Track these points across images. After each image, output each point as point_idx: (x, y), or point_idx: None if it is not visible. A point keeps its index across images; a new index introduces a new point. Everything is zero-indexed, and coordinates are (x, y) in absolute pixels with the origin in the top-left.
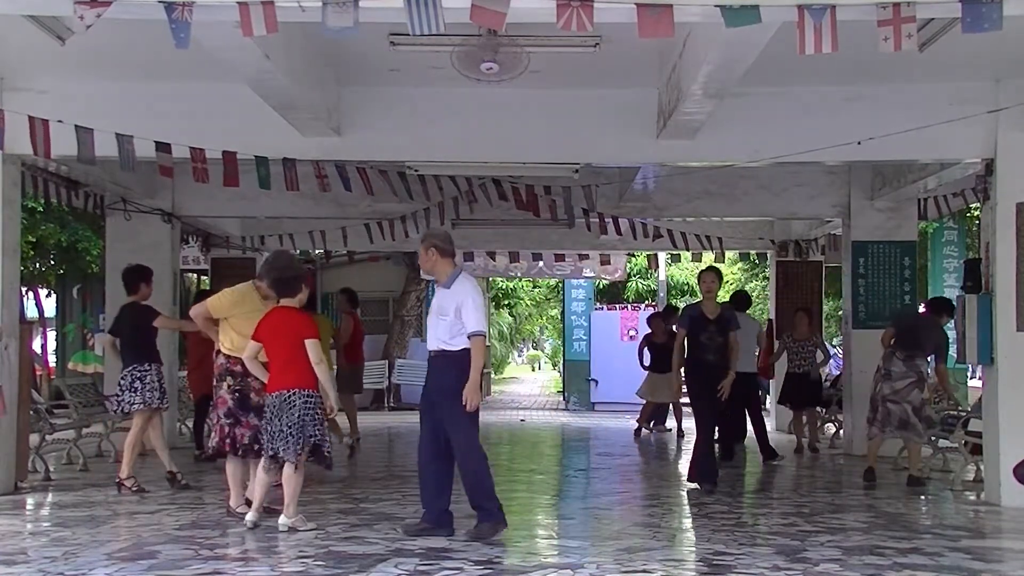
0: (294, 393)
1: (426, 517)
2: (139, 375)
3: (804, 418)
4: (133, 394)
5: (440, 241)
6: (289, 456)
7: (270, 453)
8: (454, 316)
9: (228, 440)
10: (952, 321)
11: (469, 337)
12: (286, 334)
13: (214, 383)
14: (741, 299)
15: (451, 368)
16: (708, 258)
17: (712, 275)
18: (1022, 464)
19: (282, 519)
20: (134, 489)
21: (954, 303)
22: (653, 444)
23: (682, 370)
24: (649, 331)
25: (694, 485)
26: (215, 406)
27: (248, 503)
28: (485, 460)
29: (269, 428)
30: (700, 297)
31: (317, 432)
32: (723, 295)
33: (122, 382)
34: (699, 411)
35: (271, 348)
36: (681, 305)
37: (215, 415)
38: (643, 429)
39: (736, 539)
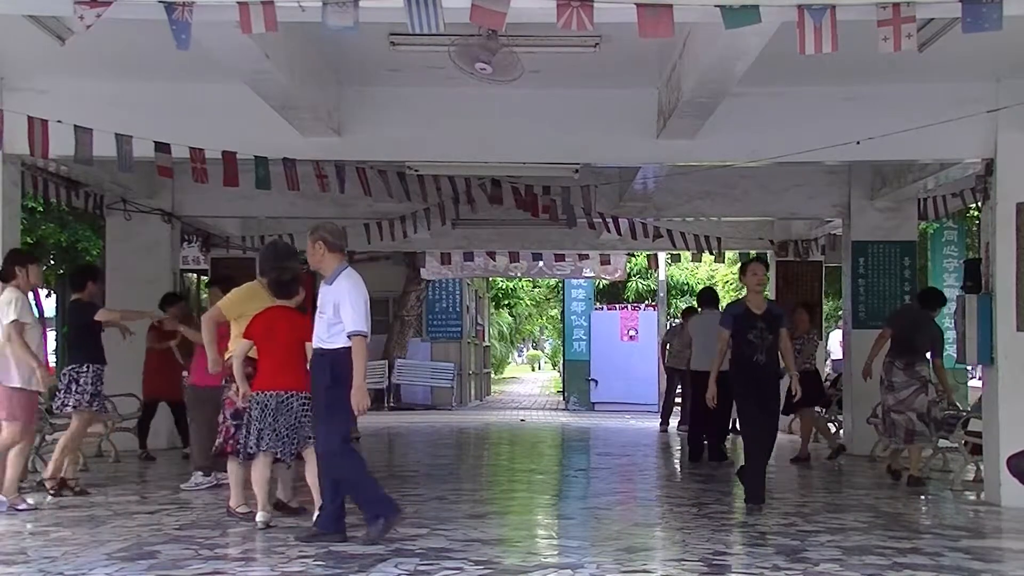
0: (292, 396)
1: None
2: (75, 375)
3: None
4: (67, 395)
5: (328, 235)
6: (287, 457)
7: (263, 450)
8: (332, 313)
9: (232, 442)
10: (952, 321)
11: (349, 337)
12: (286, 335)
13: (222, 383)
14: (709, 297)
15: (326, 367)
16: (708, 258)
17: (760, 267)
18: (1015, 457)
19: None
20: (75, 491)
21: (943, 292)
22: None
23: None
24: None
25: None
26: (223, 407)
27: (250, 504)
28: (352, 464)
29: (263, 427)
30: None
31: (310, 433)
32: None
33: (60, 381)
34: (748, 420)
35: (265, 347)
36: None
37: (222, 415)
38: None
39: (736, 539)
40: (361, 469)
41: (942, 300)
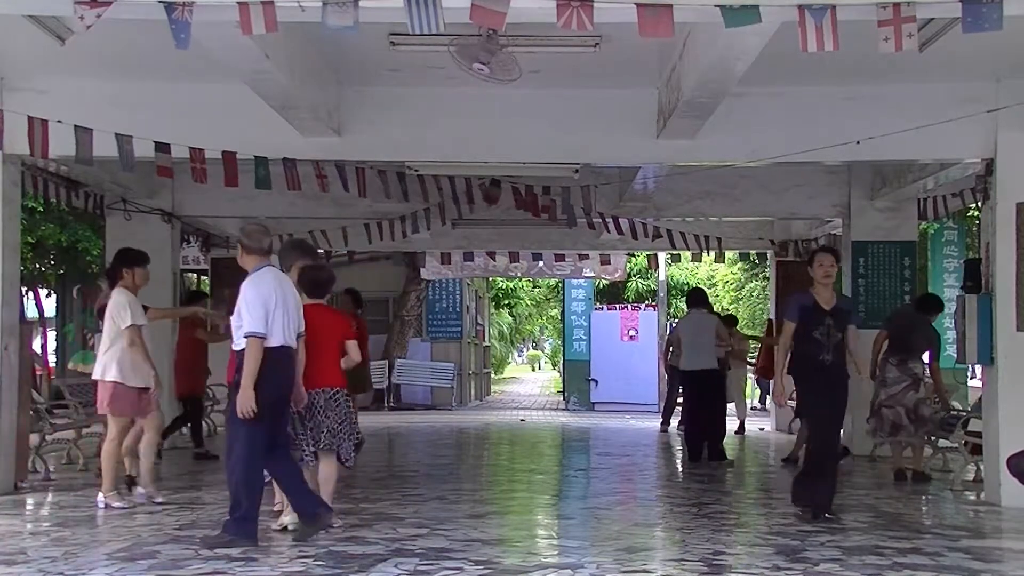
0: (339, 392)
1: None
2: None
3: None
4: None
5: (245, 236)
6: (346, 452)
7: (323, 447)
8: (236, 315)
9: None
10: (952, 321)
11: (245, 337)
12: (330, 333)
13: None
14: (697, 297)
15: (237, 369)
16: (708, 258)
17: (829, 257)
18: (1015, 456)
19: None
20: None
21: (942, 300)
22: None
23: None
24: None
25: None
26: None
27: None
28: (247, 470)
29: (318, 424)
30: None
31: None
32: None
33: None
34: (816, 422)
35: (311, 345)
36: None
37: None
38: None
39: (736, 539)
40: (248, 477)
41: (939, 306)
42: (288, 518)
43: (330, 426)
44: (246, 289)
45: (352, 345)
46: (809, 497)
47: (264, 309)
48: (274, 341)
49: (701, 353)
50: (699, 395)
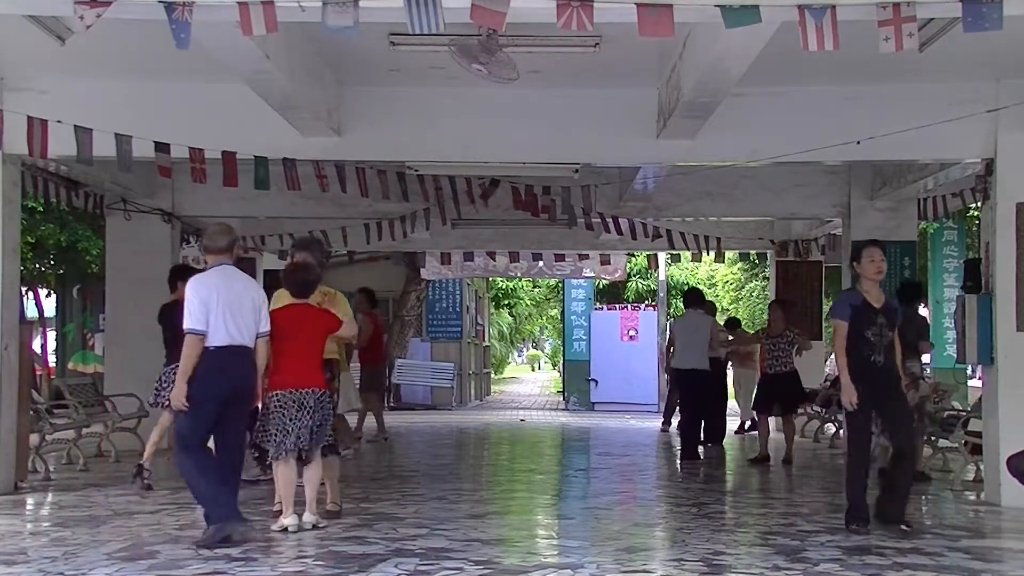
0: (324, 393)
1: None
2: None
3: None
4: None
5: (206, 237)
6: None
7: (304, 447)
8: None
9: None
10: (952, 321)
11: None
12: (316, 331)
13: None
14: (694, 297)
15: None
16: (708, 258)
17: (878, 251)
18: (1015, 457)
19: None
20: (145, 482)
21: (920, 284)
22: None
23: None
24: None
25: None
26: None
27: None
28: (193, 464)
29: (302, 424)
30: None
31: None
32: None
33: (164, 378)
34: (855, 428)
35: (295, 344)
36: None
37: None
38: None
39: (736, 539)
40: (197, 469)
41: (920, 292)
42: (289, 520)
43: (312, 426)
44: (187, 288)
45: (344, 326)
46: (890, 513)
47: (203, 307)
48: (217, 340)
49: (693, 352)
50: (690, 394)
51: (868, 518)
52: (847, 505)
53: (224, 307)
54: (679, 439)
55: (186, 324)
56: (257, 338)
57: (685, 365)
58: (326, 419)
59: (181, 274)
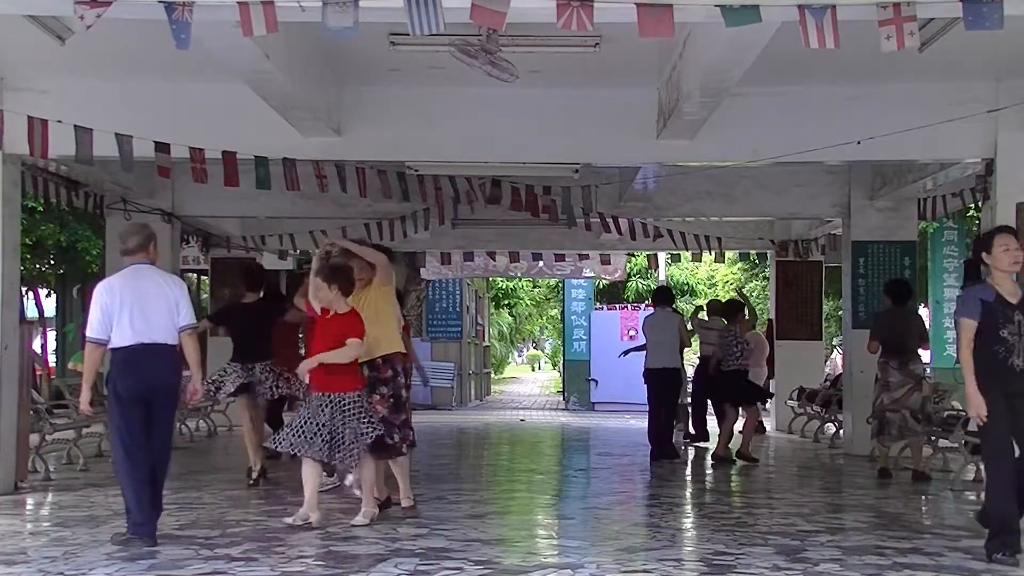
0: (360, 394)
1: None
2: (274, 369)
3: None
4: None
5: (119, 238)
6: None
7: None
8: None
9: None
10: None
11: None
12: (343, 334)
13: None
14: (662, 296)
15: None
16: (708, 258)
17: (1012, 239)
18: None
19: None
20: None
21: (908, 282)
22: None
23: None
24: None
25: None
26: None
27: (384, 502)
28: (121, 464)
29: (340, 429)
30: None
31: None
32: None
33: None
34: (991, 440)
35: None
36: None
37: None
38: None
39: (736, 539)
40: (124, 469)
41: (910, 290)
42: (304, 511)
43: (347, 431)
44: (93, 294)
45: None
46: (988, 518)
47: (101, 313)
48: (121, 341)
49: (662, 352)
50: (659, 393)
51: (1020, 547)
52: (991, 531)
53: (131, 307)
54: (650, 440)
55: (87, 331)
56: (180, 332)
57: (656, 364)
58: (361, 416)
59: (251, 276)
